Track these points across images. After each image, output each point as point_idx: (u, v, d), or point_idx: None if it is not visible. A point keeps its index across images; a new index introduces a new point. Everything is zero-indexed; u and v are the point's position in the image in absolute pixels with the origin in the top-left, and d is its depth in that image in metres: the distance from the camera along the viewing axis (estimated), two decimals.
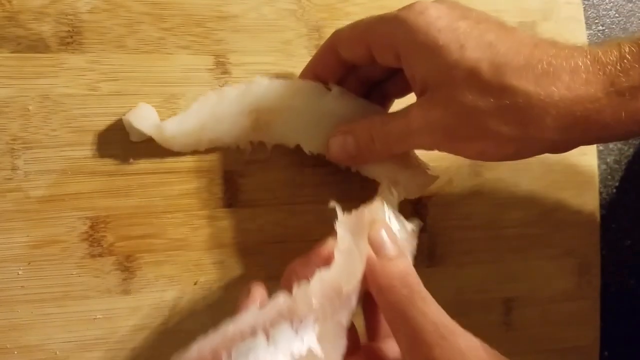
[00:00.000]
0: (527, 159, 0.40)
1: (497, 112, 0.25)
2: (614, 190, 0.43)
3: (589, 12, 0.43)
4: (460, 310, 0.38)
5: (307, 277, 0.26)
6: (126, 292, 0.33)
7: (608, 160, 0.43)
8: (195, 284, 0.34)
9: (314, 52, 0.34)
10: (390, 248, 0.27)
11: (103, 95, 0.33)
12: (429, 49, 0.26)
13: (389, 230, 0.28)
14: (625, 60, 0.25)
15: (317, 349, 0.24)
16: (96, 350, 0.33)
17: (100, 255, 0.33)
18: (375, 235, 0.27)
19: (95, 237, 0.33)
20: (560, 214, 0.40)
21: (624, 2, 0.44)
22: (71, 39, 0.32)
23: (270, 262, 0.35)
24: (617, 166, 0.43)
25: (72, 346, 0.32)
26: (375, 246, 0.27)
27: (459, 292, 0.38)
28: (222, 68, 0.35)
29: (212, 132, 0.33)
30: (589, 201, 0.41)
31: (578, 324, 0.41)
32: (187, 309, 0.34)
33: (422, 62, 0.27)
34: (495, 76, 0.25)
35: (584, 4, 0.42)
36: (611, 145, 0.43)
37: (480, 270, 0.39)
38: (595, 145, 0.41)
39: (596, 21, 0.43)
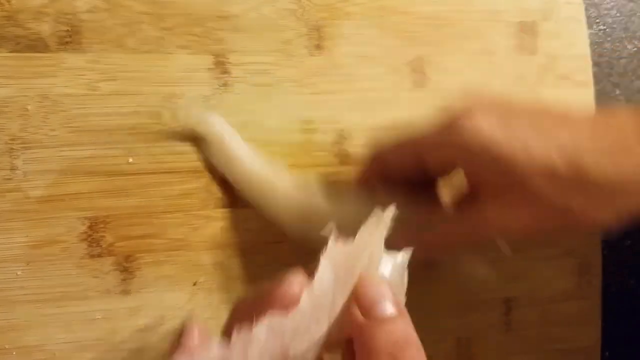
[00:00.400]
0: None
1: (586, 204, 0.26)
2: None
3: (590, 12, 0.43)
4: (460, 310, 0.39)
5: (257, 320, 0.21)
6: (126, 292, 0.33)
7: None
8: (195, 284, 0.34)
9: (314, 51, 0.34)
10: (386, 307, 0.21)
11: (102, 95, 0.33)
12: (494, 162, 0.26)
13: (385, 283, 0.22)
14: None
15: None
16: (95, 351, 0.32)
17: (99, 256, 0.33)
18: (368, 290, 0.22)
19: (94, 237, 0.32)
20: None
21: (625, 2, 0.44)
22: (70, 38, 0.32)
23: (270, 262, 0.35)
24: None
25: (71, 347, 0.32)
26: (366, 304, 0.22)
27: (459, 292, 0.38)
28: (221, 68, 0.35)
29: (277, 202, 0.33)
30: None
31: (579, 324, 0.41)
32: (186, 309, 0.34)
33: (489, 173, 0.27)
34: (572, 169, 0.25)
35: (585, 3, 0.42)
36: None
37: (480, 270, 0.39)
38: None
39: (597, 20, 0.43)
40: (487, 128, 0.26)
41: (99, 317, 0.33)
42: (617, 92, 0.43)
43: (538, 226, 0.27)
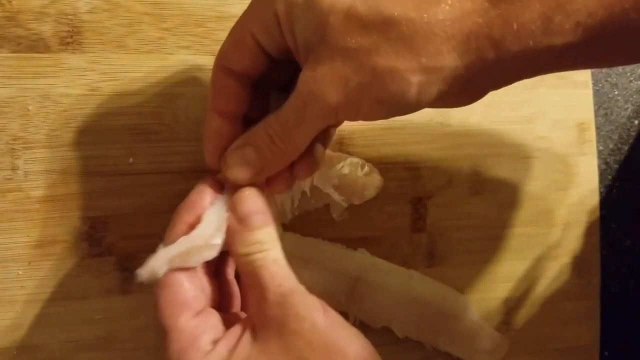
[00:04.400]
0: (527, 159, 0.40)
1: (384, 48, 0.23)
2: (614, 190, 0.43)
3: None
4: None
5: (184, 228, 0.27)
6: (126, 292, 0.33)
7: (608, 160, 0.43)
8: None
9: None
10: (254, 220, 0.27)
11: (103, 95, 0.33)
12: (304, 5, 0.24)
13: (258, 200, 0.27)
14: None
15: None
16: (96, 351, 0.33)
17: (100, 255, 0.33)
18: (242, 207, 0.27)
19: (95, 237, 0.33)
20: (559, 214, 0.40)
21: None
22: (71, 39, 0.32)
23: None
24: (617, 166, 0.43)
25: (72, 346, 0.32)
26: (240, 217, 0.27)
27: (459, 292, 0.38)
28: None
29: (311, 275, 0.34)
30: (589, 201, 0.41)
31: (578, 323, 0.41)
32: None
33: (301, 21, 0.24)
34: (371, 10, 0.23)
35: None
36: (611, 145, 0.43)
37: (480, 270, 0.39)
38: (595, 145, 0.41)
39: None
40: None
41: (100, 316, 0.33)
42: (616, 92, 0.44)
43: (345, 80, 0.24)
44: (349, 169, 0.33)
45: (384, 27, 0.23)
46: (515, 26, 0.22)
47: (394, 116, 0.25)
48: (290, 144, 0.27)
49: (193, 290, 0.26)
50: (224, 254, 0.28)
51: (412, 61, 0.23)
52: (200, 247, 0.27)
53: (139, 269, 0.26)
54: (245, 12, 0.27)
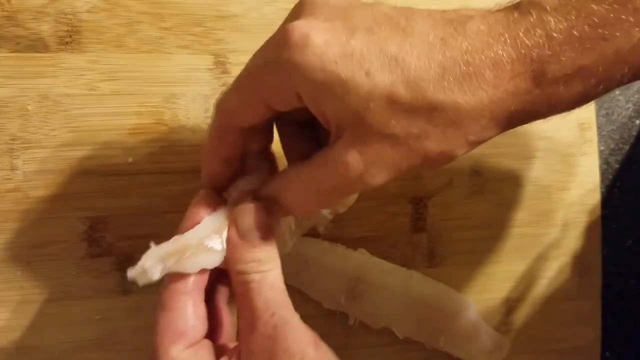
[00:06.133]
0: (528, 159, 0.40)
1: (434, 133, 0.23)
2: (615, 190, 0.43)
3: None
4: None
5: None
6: (126, 292, 0.33)
7: (609, 160, 0.43)
8: None
9: None
10: (256, 235, 0.26)
11: (102, 95, 0.33)
12: (334, 87, 0.23)
13: (262, 215, 0.26)
14: (553, 42, 0.22)
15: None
16: (96, 351, 0.33)
17: (99, 256, 0.33)
18: (244, 220, 0.26)
19: (94, 237, 0.33)
20: (560, 213, 0.40)
21: None
22: (70, 38, 0.32)
23: None
24: (618, 166, 0.43)
25: (71, 346, 0.32)
26: (242, 230, 0.26)
27: (459, 293, 0.38)
28: (221, 68, 0.35)
29: (311, 275, 0.34)
30: (590, 201, 0.41)
31: (579, 323, 0.41)
32: None
33: (331, 102, 0.23)
34: (415, 96, 0.23)
35: None
36: (612, 145, 0.43)
37: (480, 270, 0.39)
38: (596, 145, 0.41)
39: None
40: (320, 42, 0.23)
41: (99, 317, 0.33)
42: (617, 92, 0.43)
43: (398, 161, 0.24)
44: None
45: (429, 112, 0.23)
46: (554, 102, 0.23)
47: None
48: (326, 202, 0.27)
49: (193, 319, 0.25)
50: (215, 282, 0.28)
51: (460, 140, 0.24)
52: (195, 247, 0.26)
53: (130, 268, 0.25)
54: (255, 79, 0.25)
